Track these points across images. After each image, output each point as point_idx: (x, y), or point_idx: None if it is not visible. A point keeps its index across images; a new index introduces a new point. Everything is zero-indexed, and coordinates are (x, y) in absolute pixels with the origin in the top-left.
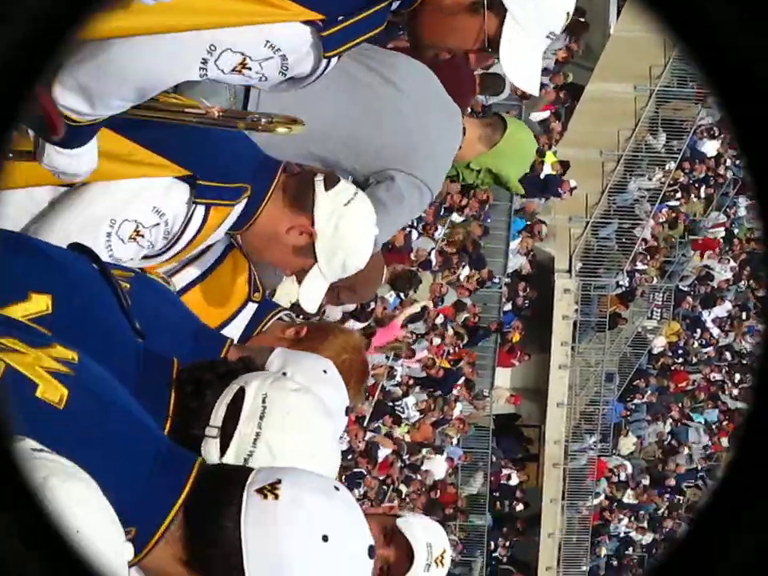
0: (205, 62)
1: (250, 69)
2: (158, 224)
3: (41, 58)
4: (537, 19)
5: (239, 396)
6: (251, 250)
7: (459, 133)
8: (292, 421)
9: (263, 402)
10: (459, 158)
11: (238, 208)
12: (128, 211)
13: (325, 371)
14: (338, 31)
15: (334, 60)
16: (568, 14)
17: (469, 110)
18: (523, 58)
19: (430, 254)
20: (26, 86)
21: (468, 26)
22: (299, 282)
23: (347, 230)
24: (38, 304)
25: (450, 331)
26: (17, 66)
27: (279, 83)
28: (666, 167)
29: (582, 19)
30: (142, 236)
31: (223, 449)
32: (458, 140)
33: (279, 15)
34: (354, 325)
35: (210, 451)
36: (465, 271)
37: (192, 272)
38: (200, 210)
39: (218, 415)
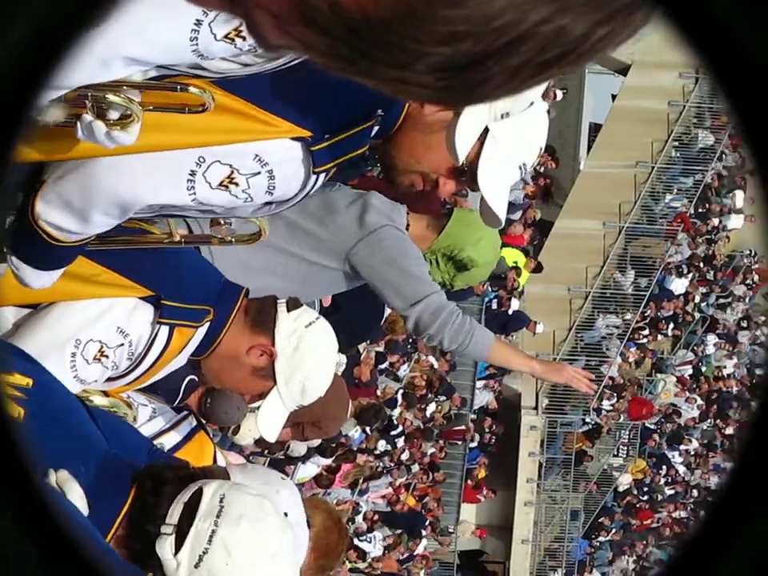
0: (193, 173)
1: (237, 185)
2: (122, 344)
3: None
4: (513, 147)
5: (197, 495)
6: (211, 374)
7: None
8: (249, 520)
9: (221, 501)
10: None
11: (201, 331)
12: (93, 331)
13: (283, 478)
14: (326, 147)
15: (321, 178)
16: (541, 148)
17: None
18: (499, 182)
19: (396, 392)
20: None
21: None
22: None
23: (307, 350)
24: (20, 380)
25: (416, 467)
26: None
27: (261, 207)
28: (634, 305)
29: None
30: (107, 356)
31: (178, 546)
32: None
33: (269, 132)
34: (318, 461)
35: (165, 548)
36: (431, 407)
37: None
38: (164, 331)
39: (174, 513)
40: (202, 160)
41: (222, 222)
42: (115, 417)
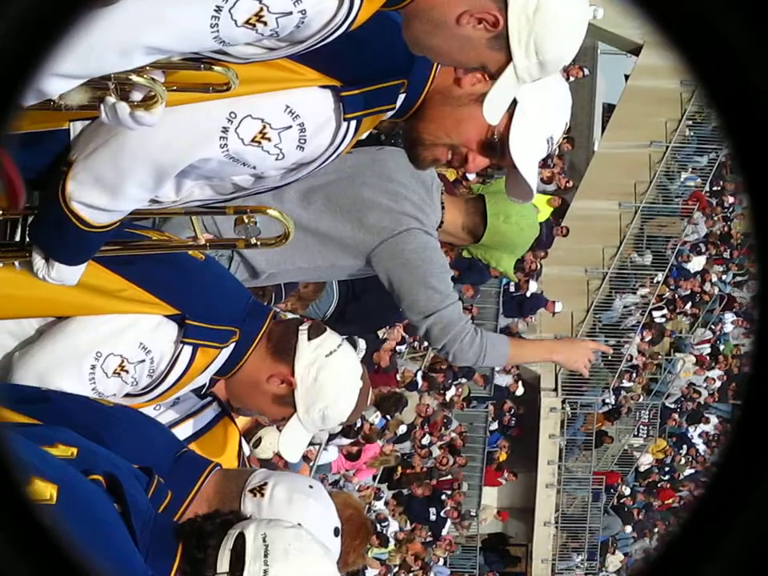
0: (225, 130)
1: (269, 140)
2: (143, 360)
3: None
4: (541, 118)
5: (240, 541)
6: (233, 396)
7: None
8: (294, 553)
9: (264, 541)
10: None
11: (225, 352)
12: (114, 345)
13: (311, 486)
14: (356, 94)
15: (351, 129)
16: (566, 123)
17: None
18: (530, 153)
19: (416, 375)
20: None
21: (477, 117)
22: (280, 430)
23: (327, 381)
24: (65, 451)
25: (437, 451)
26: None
27: (290, 171)
28: (652, 284)
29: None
30: (127, 371)
31: None
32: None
33: (297, 80)
34: (341, 441)
35: None
36: (451, 391)
37: (182, 432)
38: (187, 351)
39: (223, 561)
40: (233, 116)
41: (247, 219)
42: (145, 422)
